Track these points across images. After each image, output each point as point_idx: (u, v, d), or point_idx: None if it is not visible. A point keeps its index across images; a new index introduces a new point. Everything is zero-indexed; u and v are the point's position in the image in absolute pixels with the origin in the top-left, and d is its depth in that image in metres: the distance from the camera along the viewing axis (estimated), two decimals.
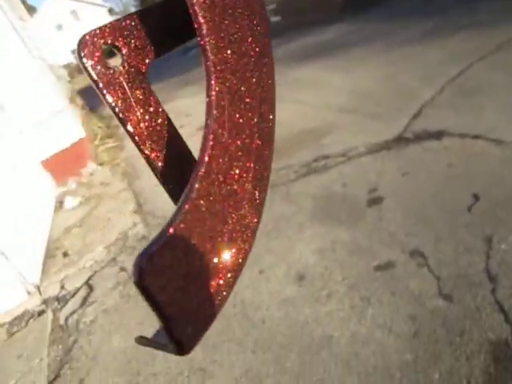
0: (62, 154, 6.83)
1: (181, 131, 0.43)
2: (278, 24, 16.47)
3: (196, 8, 0.36)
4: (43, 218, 5.42)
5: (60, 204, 6.05)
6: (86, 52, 0.36)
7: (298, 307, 2.66)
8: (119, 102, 0.38)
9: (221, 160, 0.36)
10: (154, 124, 0.40)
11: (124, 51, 0.37)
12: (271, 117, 0.41)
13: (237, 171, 0.37)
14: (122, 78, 0.37)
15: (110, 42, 0.37)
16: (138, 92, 0.39)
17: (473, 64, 5.07)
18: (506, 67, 4.64)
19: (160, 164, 0.40)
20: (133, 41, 0.38)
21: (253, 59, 0.40)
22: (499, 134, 3.49)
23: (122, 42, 0.37)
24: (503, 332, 2.02)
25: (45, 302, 3.84)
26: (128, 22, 0.38)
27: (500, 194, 2.88)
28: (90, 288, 3.78)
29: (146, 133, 0.39)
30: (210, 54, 0.37)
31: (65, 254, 4.51)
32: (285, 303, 2.73)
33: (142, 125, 0.39)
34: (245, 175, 0.38)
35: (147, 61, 0.39)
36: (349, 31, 10.22)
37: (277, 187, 4.20)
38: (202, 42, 0.37)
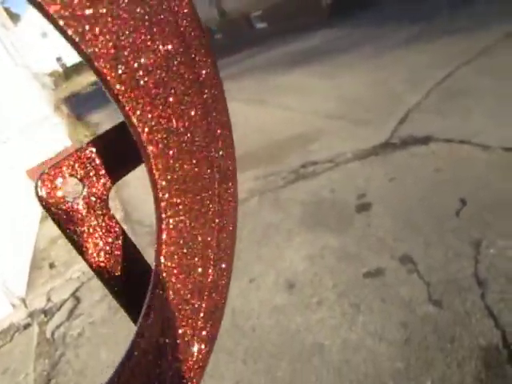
0: (47, 162, 6.74)
1: None
2: (264, 31, 16.54)
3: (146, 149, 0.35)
4: (29, 228, 5.34)
5: (46, 214, 5.97)
6: (44, 189, 0.35)
7: (288, 315, 2.64)
8: (78, 233, 0.38)
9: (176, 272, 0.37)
10: (113, 249, 0.40)
11: (86, 182, 0.37)
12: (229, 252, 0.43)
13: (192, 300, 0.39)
14: (82, 208, 0.37)
15: (71, 175, 0.36)
16: (98, 219, 0.38)
17: (459, 68, 5.14)
18: (491, 71, 4.70)
19: (117, 283, 0.40)
20: (94, 170, 0.37)
21: (212, 202, 0.40)
22: (485, 138, 3.52)
23: (83, 173, 0.37)
24: (493, 337, 2.02)
25: (31, 314, 3.76)
26: (88, 151, 0.37)
27: (487, 199, 2.89)
28: (77, 300, 3.72)
29: (104, 259, 0.39)
30: (160, 194, 0.36)
31: (51, 265, 4.43)
32: (275, 311, 2.71)
33: (101, 253, 0.39)
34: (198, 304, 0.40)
35: (108, 186, 0.38)
36: (336, 37, 10.30)
37: (265, 194, 4.19)
38: (152, 179, 0.36)
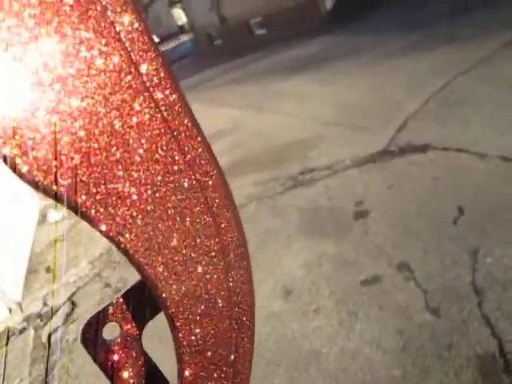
0: None
1: None
2: (263, 37, 16.61)
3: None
4: (25, 232, 5.32)
5: (43, 217, 5.95)
6: (88, 335, 0.42)
7: (285, 322, 2.64)
8: (114, 366, 0.43)
9: None
10: (143, 381, 0.45)
11: (123, 326, 0.43)
12: None
13: None
14: (118, 347, 0.43)
15: (111, 320, 0.42)
16: (131, 353, 0.43)
17: (457, 76, 5.16)
18: (490, 80, 4.73)
19: None
20: (127, 317, 0.43)
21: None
22: (483, 147, 3.54)
23: (120, 318, 0.43)
24: (490, 346, 2.02)
25: (26, 319, 3.75)
26: (120, 302, 0.43)
27: (485, 207, 2.90)
28: (74, 304, 3.71)
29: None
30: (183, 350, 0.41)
31: (48, 270, 4.42)
32: (272, 318, 2.70)
33: (131, 381, 0.44)
34: None
35: (140, 328, 0.44)
36: (334, 43, 10.35)
37: (263, 200, 4.20)
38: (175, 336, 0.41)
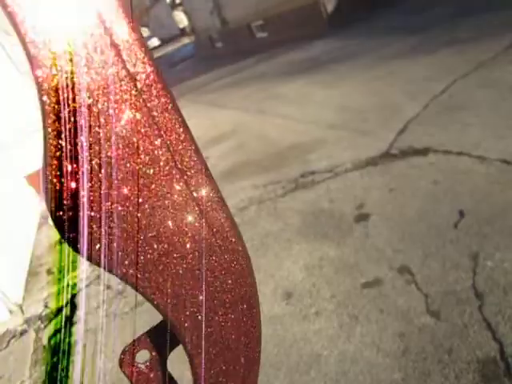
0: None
1: None
2: (264, 40, 16.65)
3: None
4: (26, 234, 5.33)
5: (44, 220, 5.96)
6: (124, 360, 0.48)
7: (286, 325, 2.64)
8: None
9: None
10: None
11: (152, 353, 0.49)
12: None
13: None
14: (149, 371, 0.50)
15: (143, 348, 0.49)
16: (158, 374, 0.50)
17: (456, 80, 5.17)
18: (490, 84, 4.74)
19: None
20: (154, 347, 0.50)
21: None
22: (483, 151, 3.54)
23: (150, 346, 0.49)
24: (491, 350, 2.02)
25: (27, 321, 3.75)
26: (154, 331, 0.50)
27: (485, 211, 2.91)
28: (74, 307, 3.71)
29: None
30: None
31: (48, 272, 4.42)
32: (273, 321, 2.70)
33: None
34: None
35: (165, 355, 0.50)
36: (335, 47, 10.37)
37: (264, 203, 4.20)
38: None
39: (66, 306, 3.76)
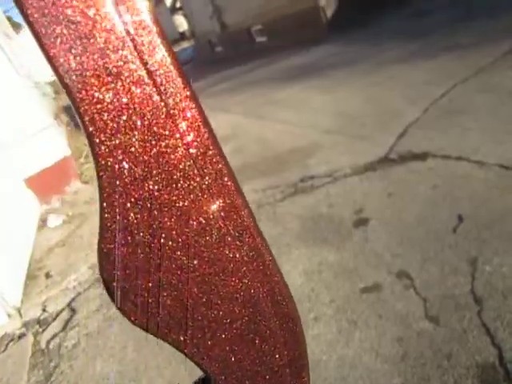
0: (46, 171, 6.75)
1: None
2: (264, 44, 16.70)
3: None
4: (25, 237, 5.32)
5: (43, 222, 5.96)
6: None
7: None
8: None
9: None
10: None
11: None
12: None
13: None
14: None
15: None
16: None
17: (456, 85, 5.19)
18: (489, 89, 4.75)
19: None
20: None
21: None
22: (482, 155, 3.55)
23: None
24: (490, 355, 2.02)
25: (25, 324, 3.74)
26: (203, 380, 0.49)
27: (484, 216, 2.91)
28: (73, 310, 3.70)
29: None
30: None
31: (47, 275, 4.42)
32: None
33: None
34: None
35: None
36: (334, 52, 10.40)
37: (263, 207, 4.20)
38: None
39: (65, 309, 3.75)
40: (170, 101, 0.38)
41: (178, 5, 32.55)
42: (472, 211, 3.01)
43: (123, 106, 0.36)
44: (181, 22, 37.07)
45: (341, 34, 11.94)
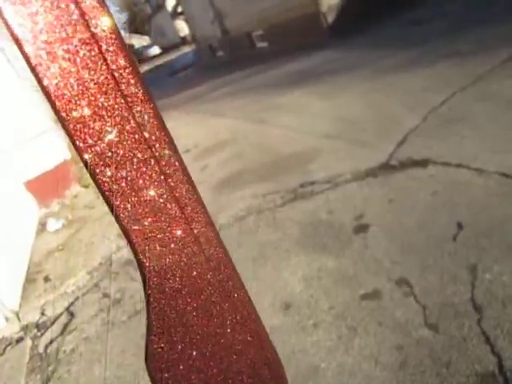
0: (46, 175, 6.75)
1: None
2: (264, 50, 16.76)
3: None
4: (24, 241, 5.32)
5: (42, 226, 5.95)
6: None
7: (284, 336, 2.63)
8: None
9: None
10: None
11: None
12: None
13: None
14: None
15: None
16: None
17: (456, 93, 5.20)
18: (488, 97, 4.77)
19: None
20: None
21: None
22: (482, 163, 3.56)
23: None
24: (490, 364, 2.01)
25: (23, 328, 3.73)
26: None
27: (484, 223, 2.91)
28: (71, 315, 3.69)
29: None
30: None
31: (46, 279, 4.41)
32: (271, 332, 2.67)
33: None
34: None
35: None
36: (334, 58, 10.44)
37: (263, 212, 4.21)
38: None
39: (63, 313, 3.74)
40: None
41: (179, 9, 32.66)
42: (472, 218, 3.01)
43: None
44: (182, 27, 37.22)
45: (341, 39, 11.99)
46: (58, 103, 0.41)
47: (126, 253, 4.32)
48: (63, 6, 0.38)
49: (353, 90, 7.16)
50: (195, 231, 0.46)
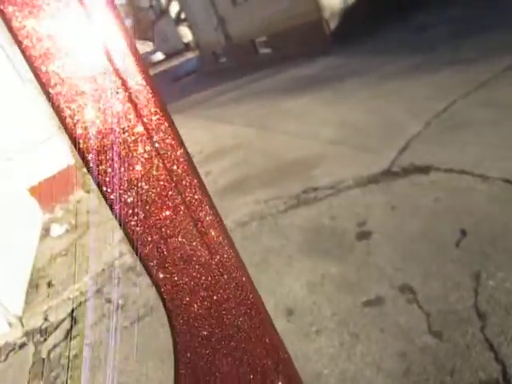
0: (50, 180, 6.77)
1: None
2: (268, 56, 16.81)
3: None
4: (28, 246, 5.33)
5: (46, 231, 5.97)
6: None
7: (286, 343, 2.61)
8: None
9: None
10: None
11: None
12: None
13: None
14: None
15: None
16: None
17: (458, 100, 5.21)
18: (491, 104, 4.77)
19: None
20: None
21: None
22: (485, 169, 3.56)
23: None
24: (493, 371, 2.00)
25: (27, 334, 3.73)
26: None
27: (487, 230, 2.91)
28: (74, 320, 3.69)
29: None
30: None
31: (49, 284, 4.42)
32: None
33: None
34: None
35: None
36: (337, 64, 10.47)
37: (265, 218, 4.21)
38: None
39: (66, 319, 3.75)
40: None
41: (182, 16, 32.85)
42: (475, 225, 3.00)
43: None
44: (185, 33, 37.40)
45: (344, 46, 12.02)
46: (85, 149, 0.40)
47: (129, 259, 4.33)
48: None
49: (356, 96, 7.17)
50: (225, 277, 0.46)
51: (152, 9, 51.92)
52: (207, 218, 0.45)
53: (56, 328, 3.67)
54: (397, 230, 3.29)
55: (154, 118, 0.41)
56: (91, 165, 0.40)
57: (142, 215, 0.42)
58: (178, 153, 0.43)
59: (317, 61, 11.92)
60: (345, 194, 4.08)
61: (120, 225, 0.42)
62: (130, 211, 0.42)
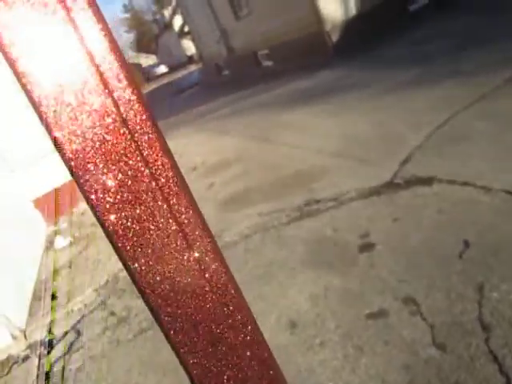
0: (54, 192, 6.81)
1: None
2: (270, 68, 16.94)
3: None
4: (32, 258, 5.35)
5: (50, 243, 5.99)
6: None
7: (290, 355, 2.62)
8: None
9: None
10: None
11: None
12: None
13: None
14: None
15: None
16: None
17: (459, 112, 5.23)
18: (491, 116, 4.79)
19: None
20: None
21: None
22: (487, 181, 3.57)
23: None
24: (498, 383, 2.00)
25: (30, 346, 3.73)
26: None
27: (490, 242, 2.91)
28: (78, 333, 3.70)
29: None
30: None
31: (53, 297, 4.42)
32: (277, 351, 2.67)
33: None
34: None
35: None
36: (338, 77, 10.53)
37: (268, 231, 4.22)
38: None
39: (70, 331, 3.75)
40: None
41: (186, 29, 33.20)
42: (478, 237, 3.01)
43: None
44: (189, 46, 37.78)
45: (345, 59, 12.11)
46: (79, 175, 0.41)
47: None
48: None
49: (357, 108, 7.22)
50: (230, 320, 0.47)
51: (156, 22, 52.50)
52: (196, 233, 0.46)
53: (59, 340, 3.67)
54: (400, 242, 3.30)
55: (138, 118, 0.42)
56: (73, 170, 0.41)
57: (151, 258, 0.44)
58: (167, 166, 0.44)
59: (318, 73, 12.00)
60: (347, 206, 4.10)
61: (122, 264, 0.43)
62: (144, 264, 0.43)
